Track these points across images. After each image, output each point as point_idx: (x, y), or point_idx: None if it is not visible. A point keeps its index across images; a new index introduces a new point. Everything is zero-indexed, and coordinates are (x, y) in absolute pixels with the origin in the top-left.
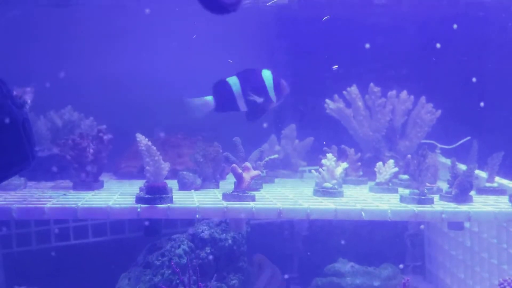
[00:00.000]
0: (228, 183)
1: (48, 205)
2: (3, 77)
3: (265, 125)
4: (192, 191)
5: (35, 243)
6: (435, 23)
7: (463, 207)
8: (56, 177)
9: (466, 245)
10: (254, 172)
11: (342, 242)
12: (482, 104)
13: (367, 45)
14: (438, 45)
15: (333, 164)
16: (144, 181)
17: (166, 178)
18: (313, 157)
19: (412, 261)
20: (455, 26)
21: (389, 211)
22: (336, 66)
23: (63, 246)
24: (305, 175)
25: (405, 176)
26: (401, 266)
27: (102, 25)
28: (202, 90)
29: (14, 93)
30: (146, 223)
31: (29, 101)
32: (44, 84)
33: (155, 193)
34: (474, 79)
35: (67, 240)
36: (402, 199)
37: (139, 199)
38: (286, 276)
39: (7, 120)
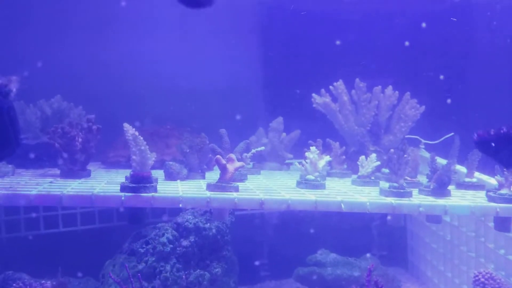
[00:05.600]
0: (215, 174)
1: (34, 192)
2: None
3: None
4: (178, 181)
5: (24, 230)
6: (421, 20)
7: (440, 201)
8: (44, 165)
9: (446, 238)
10: (238, 164)
11: (312, 231)
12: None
13: (354, 41)
14: (422, 42)
15: (316, 157)
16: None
17: (154, 168)
18: (301, 150)
19: (379, 251)
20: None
21: (368, 203)
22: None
23: (52, 233)
24: (291, 167)
25: (388, 170)
26: (368, 255)
27: (92, 15)
28: (189, 80)
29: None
30: (131, 211)
31: (14, 90)
32: (34, 72)
33: (139, 182)
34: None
35: (56, 227)
36: (382, 192)
37: (123, 188)
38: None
39: None
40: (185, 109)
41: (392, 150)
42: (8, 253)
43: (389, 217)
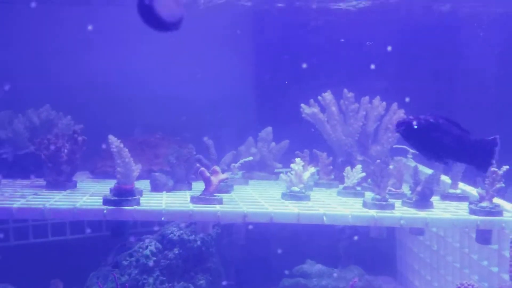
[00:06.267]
0: (202, 185)
1: (16, 205)
2: None
3: None
4: (164, 192)
5: (13, 239)
6: (410, 31)
7: (422, 213)
8: (32, 176)
9: (433, 248)
10: (222, 176)
11: (279, 251)
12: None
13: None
14: (411, 53)
15: (301, 169)
16: None
17: (142, 178)
18: (290, 158)
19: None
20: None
21: (349, 216)
22: None
23: (40, 242)
24: (280, 176)
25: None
26: (335, 275)
27: (82, 25)
28: (180, 89)
29: None
30: (113, 224)
31: None
32: (24, 83)
33: (122, 195)
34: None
35: (45, 236)
36: (365, 204)
37: (106, 201)
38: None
39: None
40: (176, 118)
41: (378, 161)
42: None
43: (370, 233)
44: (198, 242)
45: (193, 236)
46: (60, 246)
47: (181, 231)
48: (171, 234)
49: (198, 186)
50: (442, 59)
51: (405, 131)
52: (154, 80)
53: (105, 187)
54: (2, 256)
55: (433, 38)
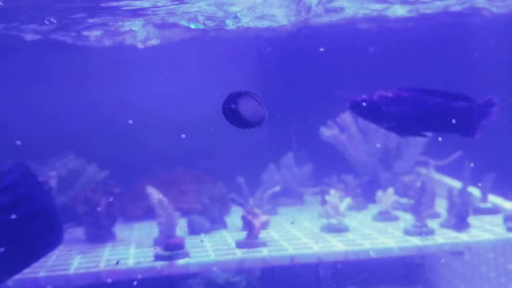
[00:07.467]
0: (233, 218)
1: (72, 271)
2: (27, 163)
3: None
4: (202, 235)
5: None
6: (423, 44)
7: (463, 237)
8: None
9: (465, 258)
10: (264, 218)
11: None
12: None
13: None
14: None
15: (337, 201)
16: (153, 222)
17: None
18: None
19: None
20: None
21: (395, 248)
22: None
23: None
24: (305, 198)
25: (404, 200)
26: None
27: (95, 60)
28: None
29: (40, 179)
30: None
31: (54, 185)
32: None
33: (172, 249)
34: None
35: None
36: (406, 232)
37: (158, 257)
38: None
39: (38, 210)
40: (191, 148)
41: (405, 178)
42: None
43: None
44: (243, 284)
45: (238, 277)
46: None
47: (226, 274)
48: (217, 278)
49: (230, 222)
50: (455, 71)
51: (358, 110)
52: (168, 112)
53: (143, 231)
54: None
55: (444, 49)
